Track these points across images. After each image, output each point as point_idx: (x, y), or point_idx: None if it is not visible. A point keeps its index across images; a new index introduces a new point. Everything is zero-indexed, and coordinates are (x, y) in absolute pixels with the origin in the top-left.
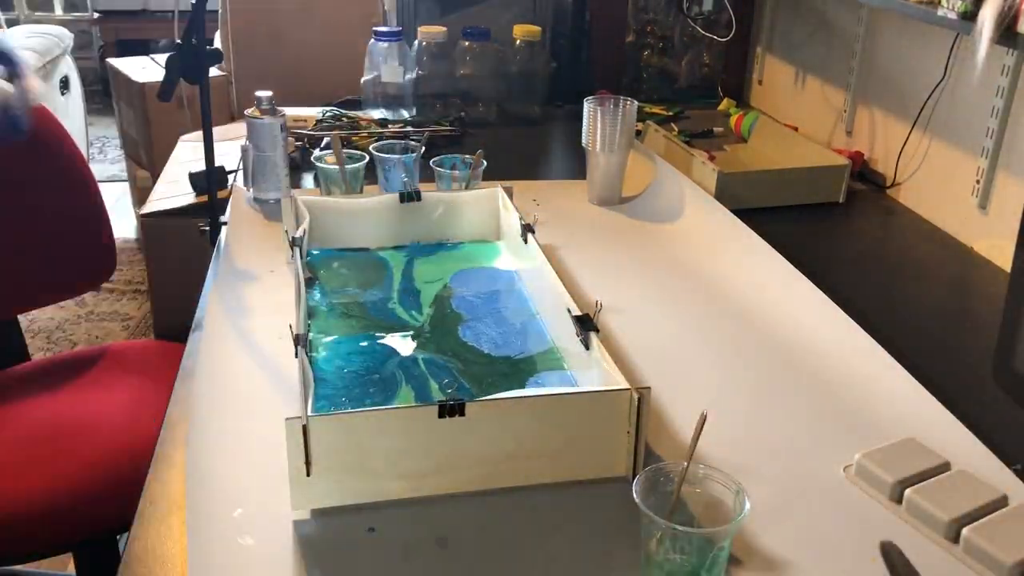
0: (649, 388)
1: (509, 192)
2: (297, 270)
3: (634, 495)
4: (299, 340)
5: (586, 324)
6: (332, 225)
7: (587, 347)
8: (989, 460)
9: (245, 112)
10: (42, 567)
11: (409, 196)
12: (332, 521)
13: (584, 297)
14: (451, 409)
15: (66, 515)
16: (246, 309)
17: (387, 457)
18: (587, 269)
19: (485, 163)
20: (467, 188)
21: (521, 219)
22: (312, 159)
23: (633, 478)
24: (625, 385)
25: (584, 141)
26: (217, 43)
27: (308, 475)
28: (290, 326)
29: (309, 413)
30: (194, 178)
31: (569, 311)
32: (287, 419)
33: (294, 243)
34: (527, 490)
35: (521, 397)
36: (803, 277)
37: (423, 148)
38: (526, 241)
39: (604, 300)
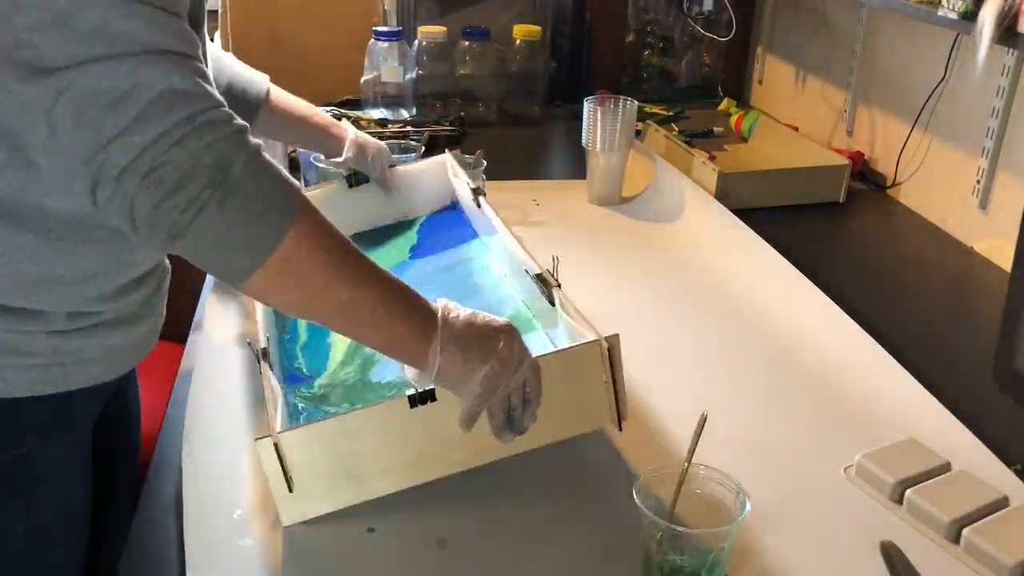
0: (617, 335)
1: (459, 159)
2: None
3: (634, 496)
4: (262, 356)
5: (546, 281)
6: None
7: (552, 303)
8: (989, 460)
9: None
10: None
11: (357, 180)
12: (331, 522)
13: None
14: (421, 398)
15: None
16: (245, 310)
17: (366, 456)
18: (586, 269)
19: (485, 163)
20: (472, 170)
21: (469, 184)
22: (311, 159)
23: (619, 427)
24: (593, 337)
25: (584, 141)
26: (217, 43)
27: (291, 491)
28: (248, 343)
29: (278, 430)
30: None
31: (527, 272)
32: (256, 439)
33: None
34: (526, 491)
35: None
36: (803, 277)
37: (422, 148)
38: (479, 205)
39: (602, 300)
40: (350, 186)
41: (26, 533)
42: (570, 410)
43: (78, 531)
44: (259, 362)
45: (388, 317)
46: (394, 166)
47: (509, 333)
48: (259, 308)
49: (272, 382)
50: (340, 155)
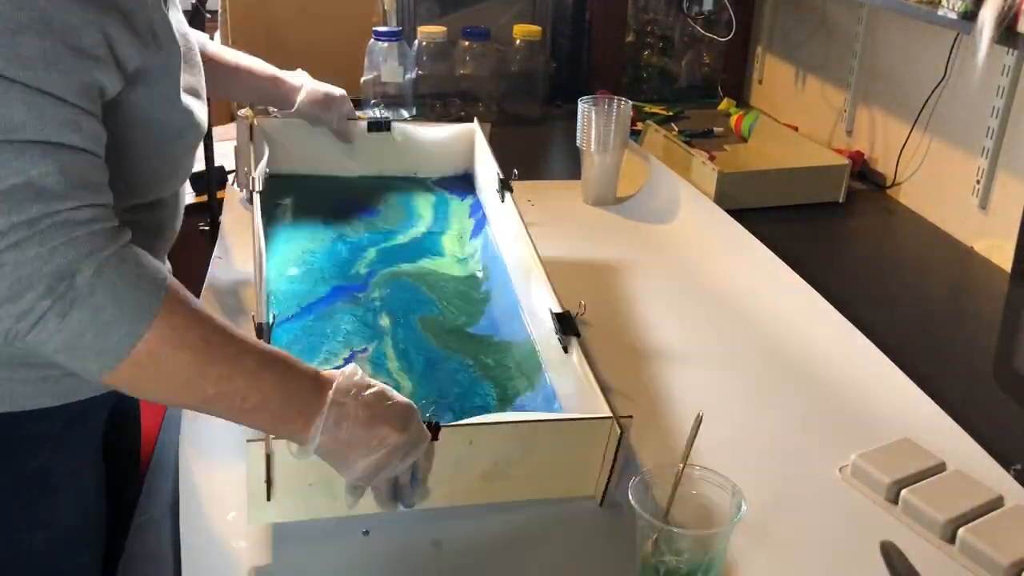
0: (631, 417)
1: (487, 132)
2: (257, 228)
3: (630, 497)
4: (261, 331)
5: (566, 326)
6: (297, 148)
7: (566, 350)
8: (984, 460)
9: (237, 113)
10: None
11: (378, 125)
12: (325, 523)
13: (567, 291)
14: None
15: None
16: (244, 310)
17: None
18: (579, 269)
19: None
20: None
21: (499, 173)
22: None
23: (601, 503)
24: (607, 413)
25: (579, 141)
26: (217, 43)
27: (268, 499)
28: (252, 316)
29: (273, 437)
30: (194, 178)
31: (550, 309)
32: (248, 441)
33: (252, 188)
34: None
35: (498, 423)
36: (796, 276)
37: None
38: (503, 200)
39: (596, 300)
40: (369, 130)
41: (45, 541)
42: (559, 474)
43: (95, 534)
44: (259, 339)
45: (263, 403)
46: (353, 119)
47: (407, 418)
48: (259, 286)
49: None
50: (292, 107)
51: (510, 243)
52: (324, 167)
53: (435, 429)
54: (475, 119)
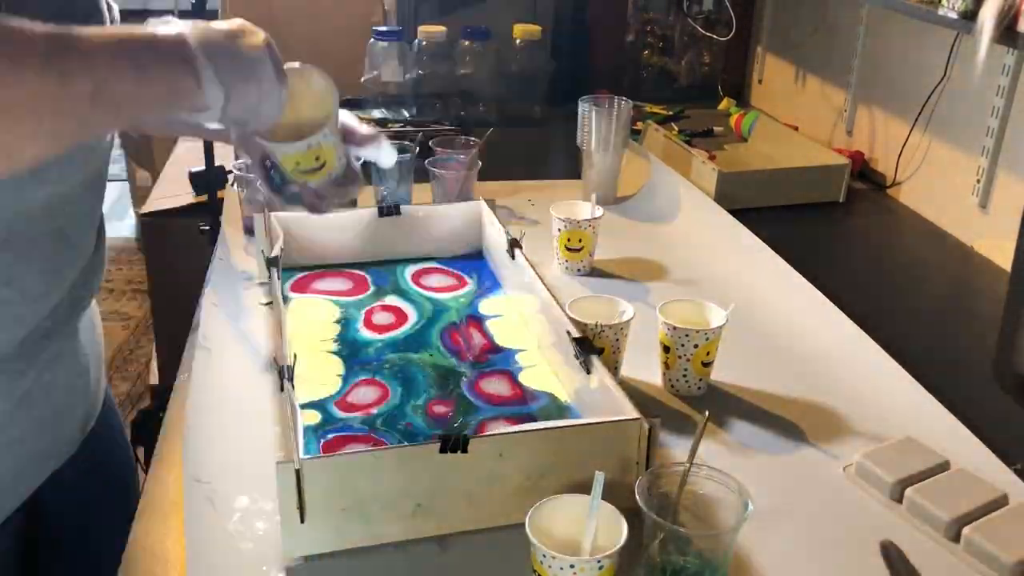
0: (659, 417)
1: (492, 205)
2: (276, 293)
3: (636, 497)
4: (284, 373)
5: (586, 348)
6: (308, 241)
7: (588, 371)
8: (988, 459)
9: None
10: None
11: (388, 210)
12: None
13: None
14: (453, 444)
15: None
16: (245, 309)
17: (381, 498)
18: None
19: (480, 164)
20: (468, 171)
21: (507, 234)
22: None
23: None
24: (635, 415)
25: (579, 141)
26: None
27: (303, 522)
28: (274, 359)
29: (301, 456)
30: (194, 178)
31: (569, 333)
32: (278, 462)
33: (271, 264)
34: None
35: (527, 431)
36: (799, 275)
37: (417, 149)
38: (513, 257)
39: None
40: (380, 215)
41: None
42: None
43: None
44: (282, 380)
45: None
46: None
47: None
48: (286, 325)
49: (293, 404)
50: None
51: (524, 293)
52: (333, 256)
53: (464, 442)
54: (482, 199)
